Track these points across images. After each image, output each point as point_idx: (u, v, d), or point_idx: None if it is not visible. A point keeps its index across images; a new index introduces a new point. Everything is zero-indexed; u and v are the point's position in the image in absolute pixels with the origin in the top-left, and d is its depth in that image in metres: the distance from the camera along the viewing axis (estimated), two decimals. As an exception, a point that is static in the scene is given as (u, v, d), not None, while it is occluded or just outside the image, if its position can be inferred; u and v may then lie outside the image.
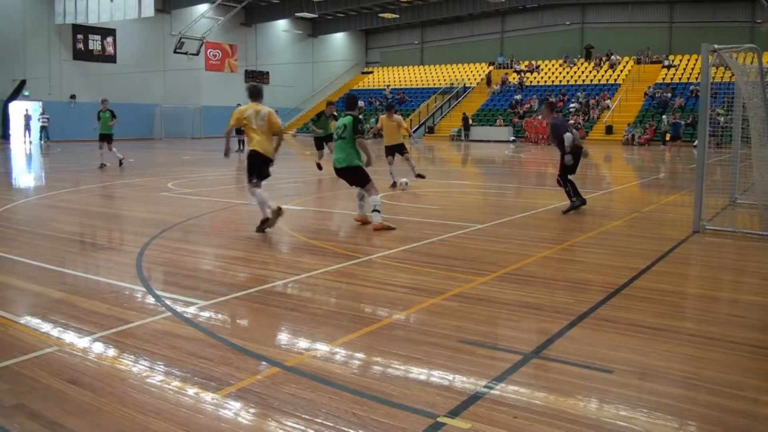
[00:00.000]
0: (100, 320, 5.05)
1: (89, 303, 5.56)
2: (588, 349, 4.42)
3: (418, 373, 4.01)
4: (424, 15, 49.02)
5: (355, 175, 9.44)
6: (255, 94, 9.38)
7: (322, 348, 4.43)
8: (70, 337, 4.70)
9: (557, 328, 4.83)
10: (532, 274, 6.62)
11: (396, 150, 14.46)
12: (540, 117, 35.87)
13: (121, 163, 19.72)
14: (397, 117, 14.70)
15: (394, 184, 14.10)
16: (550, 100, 11.83)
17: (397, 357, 4.24)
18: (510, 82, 46.72)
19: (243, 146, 28.47)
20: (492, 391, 3.71)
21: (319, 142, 17.62)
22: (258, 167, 9.04)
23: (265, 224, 8.88)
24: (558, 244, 8.49)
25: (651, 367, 4.16)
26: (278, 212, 8.74)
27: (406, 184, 13.68)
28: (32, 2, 36.16)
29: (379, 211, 9.08)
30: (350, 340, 4.58)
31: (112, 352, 4.42)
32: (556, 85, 44.39)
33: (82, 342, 4.59)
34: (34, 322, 5.09)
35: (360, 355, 4.31)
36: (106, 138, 19.64)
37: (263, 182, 9.10)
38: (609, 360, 4.22)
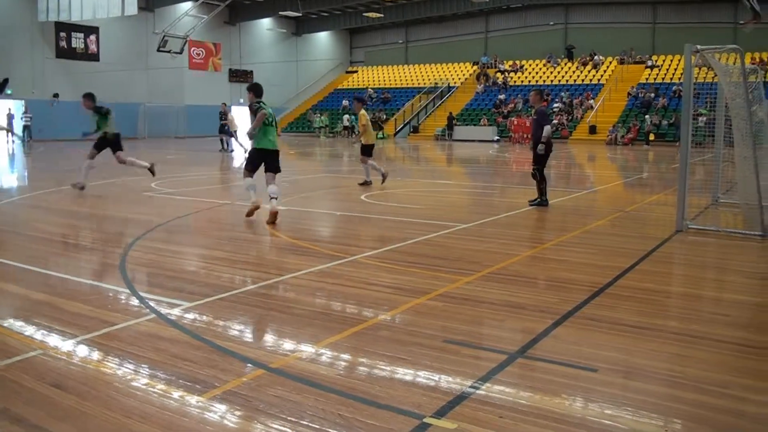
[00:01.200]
0: (83, 322, 5.00)
1: (73, 305, 5.51)
2: (573, 348, 4.44)
3: (404, 373, 4.01)
4: (408, 14, 49.03)
5: (277, 161, 10.06)
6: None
7: (307, 349, 4.42)
8: (53, 340, 4.65)
9: (542, 328, 4.85)
10: (516, 273, 6.65)
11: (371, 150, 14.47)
12: (530, 110, 36.07)
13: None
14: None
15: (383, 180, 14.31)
16: (541, 89, 12.08)
17: (383, 358, 4.24)
18: (493, 80, 46.81)
19: (227, 145, 28.39)
20: (478, 391, 3.72)
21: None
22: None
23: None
24: (542, 243, 8.53)
25: (636, 366, 4.18)
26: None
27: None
28: (15, -1, 35.81)
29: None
30: (336, 341, 4.57)
31: (96, 355, 4.38)
32: (540, 85, 44.50)
33: (66, 345, 4.54)
34: (17, 324, 5.03)
35: (346, 356, 4.30)
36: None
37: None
38: (594, 359, 4.25)
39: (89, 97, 13.06)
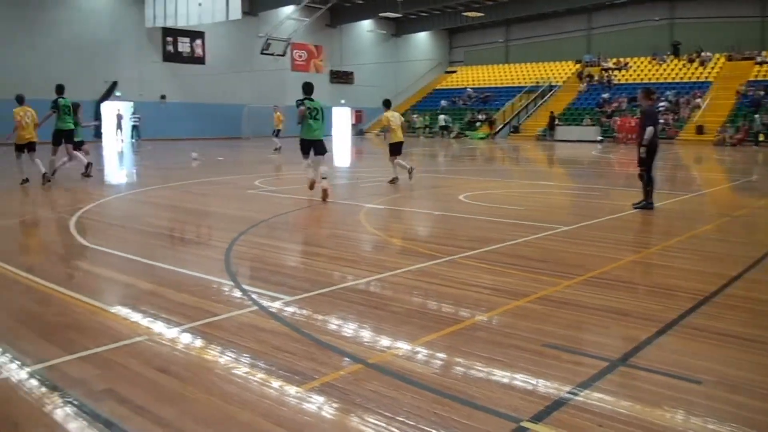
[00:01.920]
0: (188, 312, 5.22)
1: (178, 295, 5.76)
2: (676, 358, 4.28)
3: (501, 375, 3.97)
4: (509, 13, 48.32)
5: (321, 147, 12.36)
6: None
7: (404, 347, 4.44)
8: (159, 327, 4.88)
9: (644, 336, 4.69)
10: (618, 278, 6.45)
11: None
12: (634, 109, 34.96)
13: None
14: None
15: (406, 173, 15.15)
16: (649, 88, 11.73)
17: (480, 359, 4.21)
18: (596, 79, 45.58)
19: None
20: (576, 398, 3.64)
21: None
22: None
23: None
24: (646, 248, 8.26)
25: (742, 380, 3.98)
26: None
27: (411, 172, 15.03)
28: (124, 7, 37.67)
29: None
30: (432, 339, 4.57)
31: (199, 342, 4.56)
32: (645, 83, 43.02)
33: (170, 332, 4.75)
34: (125, 311, 5.31)
35: (442, 356, 4.30)
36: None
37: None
38: (698, 370, 4.07)
39: None
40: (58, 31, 34.96)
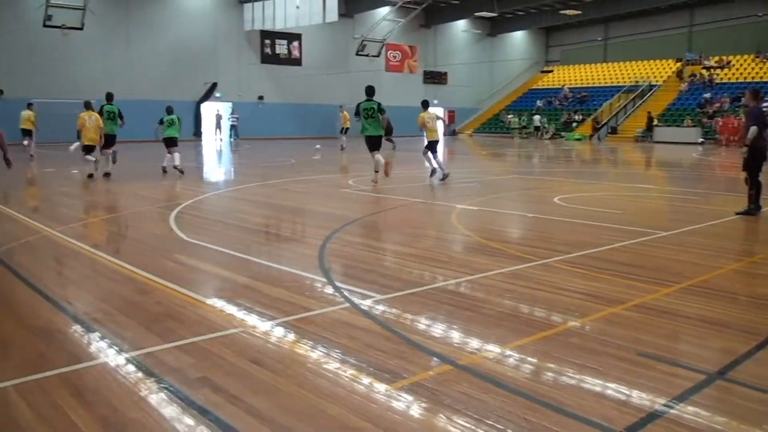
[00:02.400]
0: (282, 306, 5.35)
1: (273, 290, 5.90)
2: (778, 374, 4.06)
3: (594, 383, 3.87)
4: (607, 10, 46.77)
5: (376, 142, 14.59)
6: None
7: (494, 349, 4.41)
8: (253, 320, 5.02)
9: (745, 349, 4.47)
10: (719, 288, 6.18)
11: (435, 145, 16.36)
12: (737, 110, 33.48)
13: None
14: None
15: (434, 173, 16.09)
16: (756, 89, 11.23)
17: (572, 365, 4.13)
18: (698, 78, 43.77)
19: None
20: (671, 411, 3.51)
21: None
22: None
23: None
24: (749, 256, 7.88)
25: None
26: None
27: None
28: (224, 11, 38.90)
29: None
30: (523, 344, 4.51)
31: (292, 336, 4.66)
32: (749, 83, 41.01)
33: (264, 325, 4.88)
34: (221, 304, 5.49)
35: (533, 360, 4.23)
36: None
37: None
38: (804, 388, 3.86)
39: None
40: (158, 34, 36.45)
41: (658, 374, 4.03)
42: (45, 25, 31.04)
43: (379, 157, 14.44)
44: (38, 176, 18.06)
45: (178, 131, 17.45)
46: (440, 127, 16.96)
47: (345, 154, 28.09)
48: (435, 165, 16.05)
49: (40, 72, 32.35)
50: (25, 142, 23.38)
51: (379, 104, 14.35)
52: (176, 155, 17.03)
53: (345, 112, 29.06)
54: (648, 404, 3.60)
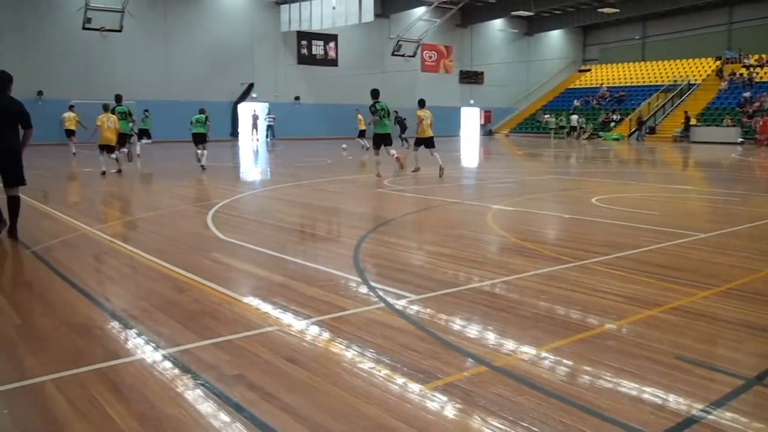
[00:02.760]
0: (317, 305, 5.37)
1: (308, 289, 5.93)
2: (821, 380, 3.97)
3: (630, 387, 3.82)
4: (646, 8, 46.05)
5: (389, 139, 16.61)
6: (377, 95, 16.09)
7: (530, 351, 4.37)
8: (289, 318, 5.05)
9: (785, 354, 4.38)
10: (759, 291, 6.04)
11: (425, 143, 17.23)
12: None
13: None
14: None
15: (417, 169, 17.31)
16: None
17: (609, 368, 4.07)
18: (738, 78, 42.88)
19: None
20: (709, 416, 3.44)
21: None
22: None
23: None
24: (793, 259, 7.71)
25: None
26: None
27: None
28: (260, 12, 39.27)
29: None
30: (559, 346, 4.47)
31: (327, 335, 4.68)
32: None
33: (300, 324, 4.91)
34: (257, 302, 5.54)
35: (569, 363, 4.19)
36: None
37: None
38: None
39: None
40: (196, 35, 36.93)
41: (696, 378, 3.97)
42: (84, 28, 31.60)
43: (393, 150, 16.64)
44: (77, 175, 18.39)
45: (204, 128, 18.97)
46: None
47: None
48: (436, 159, 16.91)
49: (79, 74, 32.98)
50: (73, 141, 25.34)
51: (373, 105, 16.28)
52: (204, 153, 18.72)
53: (362, 116, 29.16)
54: (685, 409, 3.54)
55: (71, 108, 26.14)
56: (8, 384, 3.87)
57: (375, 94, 16.58)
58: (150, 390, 3.75)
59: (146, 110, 27.45)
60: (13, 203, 8.39)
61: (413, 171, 17.17)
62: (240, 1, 38.55)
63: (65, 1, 32.58)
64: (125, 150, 18.74)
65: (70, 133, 25.28)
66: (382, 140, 16.43)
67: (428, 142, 17.15)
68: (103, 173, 16.82)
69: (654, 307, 5.36)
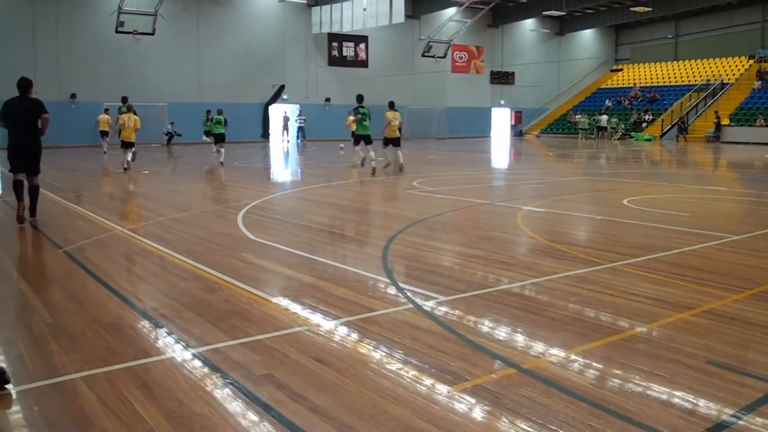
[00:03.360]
0: (346, 306, 5.39)
1: (337, 289, 5.95)
2: None
3: (661, 391, 3.77)
4: (678, 6, 45.11)
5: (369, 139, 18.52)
6: (362, 99, 18.34)
7: (559, 354, 4.34)
8: (317, 318, 5.07)
9: (819, 358, 4.29)
10: (795, 294, 5.94)
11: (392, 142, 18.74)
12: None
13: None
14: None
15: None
16: None
17: (639, 372, 4.03)
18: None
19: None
20: (739, 422, 3.38)
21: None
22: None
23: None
24: (831, 261, 7.55)
25: None
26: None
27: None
28: (292, 15, 39.48)
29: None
30: (589, 348, 4.43)
31: (355, 336, 4.69)
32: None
33: (328, 324, 4.93)
34: (286, 302, 5.58)
35: (599, 366, 4.15)
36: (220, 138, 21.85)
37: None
38: None
39: None
40: (228, 38, 37.23)
41: (727, 383, 3.91)
42: (117, 31, 32.01)
43: (371, 152, 18.31)
44: (109, 176, 18.64)
45: (224, 128, 21.54)
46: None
47: (406, 155, 28.13)
48: (369, 155, 18.42)
49: (111, 77, 33.42)
50: (105, 141, 27.06)
51: (356, 108, 18.73)
52: (222, 151, 21.04)
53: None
54: (715, 414, 3.48)
55: (106, 111, 27.76)
56: (40, 381, 3.94)
57: (360, 99, 18.65)
58: (179, 388, 3.80)
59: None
60: (34, 190, 9.88)
61: (384, 167, 18.59)
62: (271, 4, 38.79)
63: (98, 6, 33.04)
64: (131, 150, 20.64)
65: (103, 134, 26.95)
66: (362, 139, 18.64)
67: (395, 142, 18.66)
68: (125, 169, 18.43)
69: (685, 310, 5.29)
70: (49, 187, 14.57)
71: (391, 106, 19.20)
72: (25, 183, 9.69)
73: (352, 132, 29.48)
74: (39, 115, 9.49)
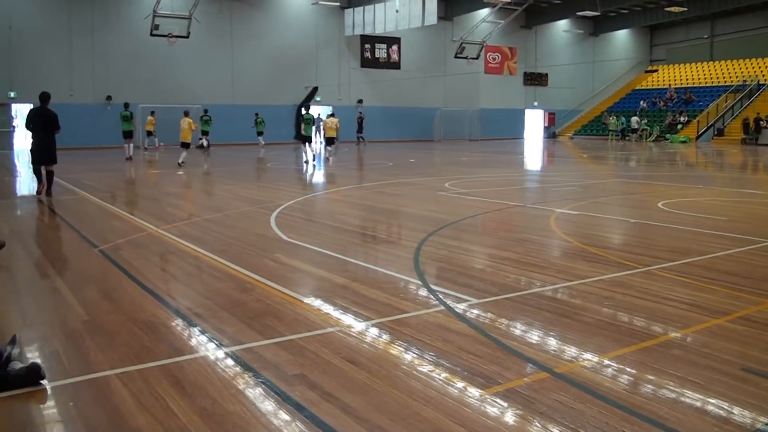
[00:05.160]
0: (378, 307, 5.40)
1: (369, 290, 5.97)
2: None
3: (695, 398, 3.72)
4: (714, 6, 44.22)
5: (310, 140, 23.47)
6: (309, 107, 23.46)
7: (592, 359, 4.30)
8: (349, 319, 5.10)
9: None
10: (837, 300, 5.82)
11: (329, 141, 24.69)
12: None
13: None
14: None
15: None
16: None
17: (673, 378, 3.98)
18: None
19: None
20: (775, 430, 3.33)
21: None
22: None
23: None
24: None
25: None
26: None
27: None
28: (325, 17, 39.64)
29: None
30: (623, 354, 4.39)
31: (387, 337, 4.70)
32: None
33: (360, 325, 4.95)
34: (318, 303, 5.61)
35: (632, 371, 4.11)
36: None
37: None
38: None
39: None
40: (261, 40, 37.49)
41: (763, 391, 3.84)
42: (152, 35, 32.41)
43: (310, 152, 23.26)
44: (145, 177, 18.89)
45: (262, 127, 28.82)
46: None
47: (439, 157, 28.06)
48: (321, 155, 23.92)
49: (146, 79, 33.87)
50: (159, 142, 31.23)
51: (302, 115, 23.53)
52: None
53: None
54: (750, 422, 3.43)
55: (152, 113, 31.13)
56: (75, 377, 4.02)
57: (307, 107, 24.57)
58: (212, 386, 3.84)
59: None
60: (50, 175, 13.13)
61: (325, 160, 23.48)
62: (305, 7, 38.99)
63: (134, 9, 33.48)
64: (131, 144, 24.53)
65: (149, 134, 30.40)
66: (305, 140, 23.01)
67: (329, 141, 24.57)
68: (181, 163, 20.67)
69: (720, 316, 5.21)
70: (86, 187, 14.83)
71: (332, 114, 25.47)
72: (43, 173, 13.02)
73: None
74: (54, 124, 12.85)
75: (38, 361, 4.06)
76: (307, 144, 23.17)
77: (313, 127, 24.28)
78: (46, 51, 31.65)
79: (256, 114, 33.53)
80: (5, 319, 5.32)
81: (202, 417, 3.46)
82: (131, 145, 24.89)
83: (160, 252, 8.03)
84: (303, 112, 23.60)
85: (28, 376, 3.84)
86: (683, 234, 9.11)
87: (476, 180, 17.02)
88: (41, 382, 3.86)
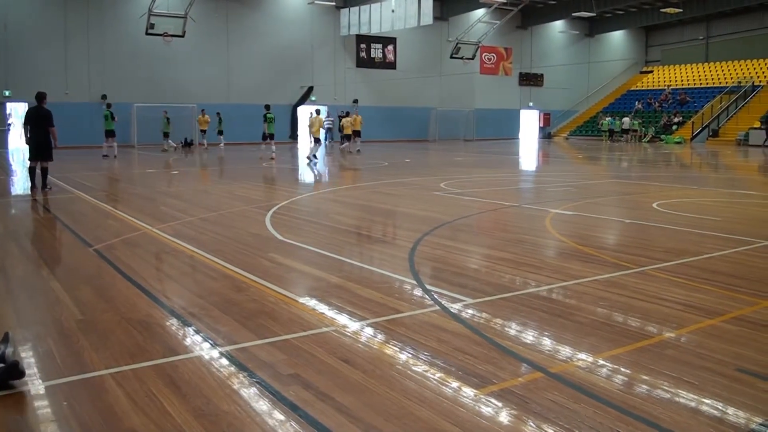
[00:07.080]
0: (373, 307, 5.41)
1: (364, 290, 5.97)
2: None
3: (689, 398, 3.72)
4: (709, 8, 44.07)
5: (272, 137, 25.63)
6: (269, 106, 26.08)
7: (587, 359, 4.31)
8: (344, 319, 5.10)
9: None
10: (830, 301, 5.83)
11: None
12: None
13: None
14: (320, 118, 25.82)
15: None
16: None
17: (667, 378, 3.99)
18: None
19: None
20: (769, 430, 3.34)
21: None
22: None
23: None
24: None
25: None
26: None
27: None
28: (320, 17, 39.67)
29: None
30: (617, 354, 4.40)
31: (382, 337, 4.70)
32: None
33: (355, 325, 4.95)
34: (313, 303, 5.61)
35: (627, 371, 4.12)
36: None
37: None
38: None
39: None
40: (257, 40, 37.50)
41: (758, 392, 3.85)
42: (147, 33, 32.33)
43: (273, 146, 25.11)
44: (140, 176, 18.86)
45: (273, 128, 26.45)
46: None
47: (434, 157, 28.09)
48: (316, 152, 24.53)
49: (142, 78, 33.82)
50: (173, 143, 31.43)
51: (264, 114, 25.41)
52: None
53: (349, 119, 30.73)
54: (744, 423, 3.44)
55: (202, 111, 32.52)
56: (69, 377, 4.01)
57: (267, 107, 25.65)
58: (207, 386, 3.83)
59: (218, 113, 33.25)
60: (45, 171, 13.92)
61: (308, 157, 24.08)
62: (300, 7, 38.97)
63: (129, 8, 33.43)
64: (113, 143, 25.08)
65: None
66: (269, 137, 25.10)
67: (356, 133, 29.24)
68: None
69: (715, 317, 5.23)
70: (81, 186, 14.80)
71: (318, 112, 25.74)
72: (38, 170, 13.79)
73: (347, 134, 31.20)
74: (49, 122, 13.62)
75: (17, 359, 3.97)
76: (314, 143, 24.95)
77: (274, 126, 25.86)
78: (42, 50, 31.58)
79: (218, 113, 33.53)
80: (-1, 319, 5.30)
81: (197, 417, 3.45)
82: (115, 144, 25.06)
83: (155, 251, 8.02)
84: (265, 112, 25.47)
85: (4, 375, 3.79)
86: (678, 234, 9.14)
87: (472, 180, 17.03)
88: (11, 383, 3.80)
